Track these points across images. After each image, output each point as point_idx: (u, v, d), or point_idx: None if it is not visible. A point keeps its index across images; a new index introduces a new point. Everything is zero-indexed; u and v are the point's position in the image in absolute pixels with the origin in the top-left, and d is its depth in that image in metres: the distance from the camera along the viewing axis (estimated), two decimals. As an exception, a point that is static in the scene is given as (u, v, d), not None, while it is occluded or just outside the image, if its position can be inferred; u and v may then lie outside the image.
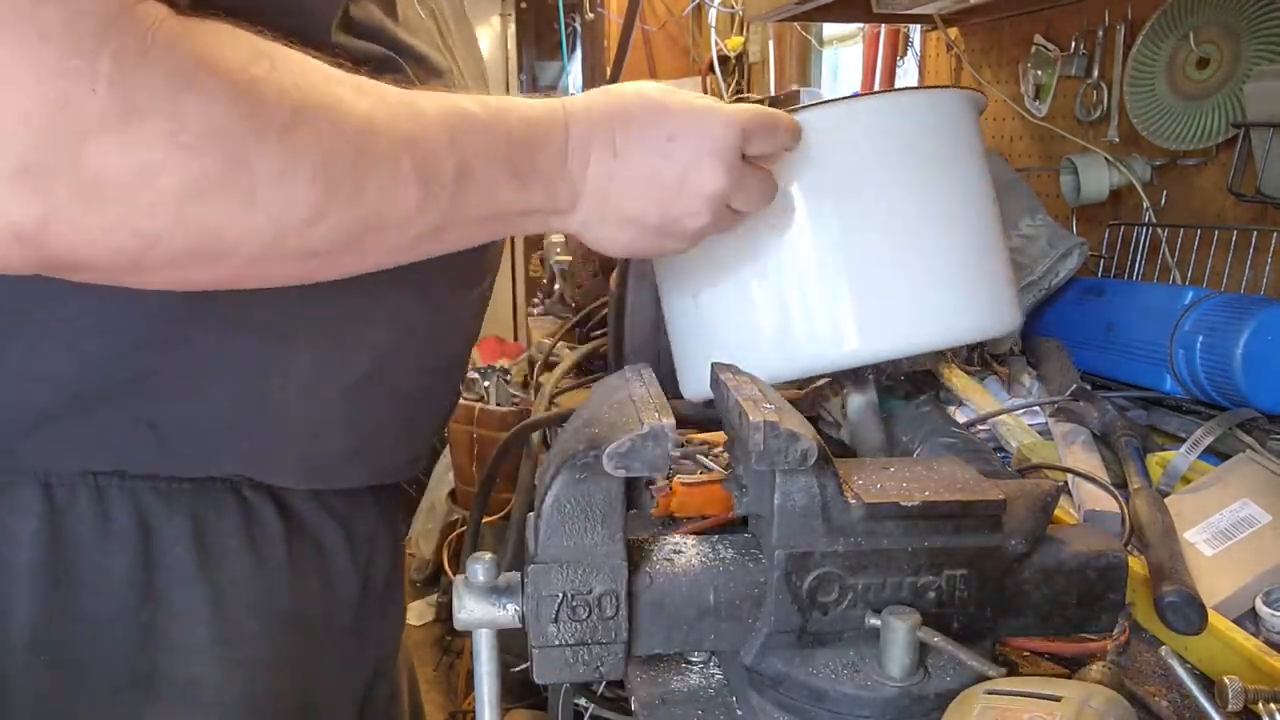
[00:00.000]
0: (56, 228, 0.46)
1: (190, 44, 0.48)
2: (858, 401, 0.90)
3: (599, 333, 1.76)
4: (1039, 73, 1.63)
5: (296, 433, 0.71)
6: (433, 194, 0.57)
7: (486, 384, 2.65)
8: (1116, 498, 0.93)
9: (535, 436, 1.55)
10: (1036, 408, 1.15)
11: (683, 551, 0.62)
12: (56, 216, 0.46)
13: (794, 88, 2.57)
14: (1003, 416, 1.12)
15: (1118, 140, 1.48)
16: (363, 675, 0.82)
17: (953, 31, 1.90)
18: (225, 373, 0.66)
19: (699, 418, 1.29)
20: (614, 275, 1.51)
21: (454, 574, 1.77)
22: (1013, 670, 0.61)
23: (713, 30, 3.12)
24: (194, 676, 0.68)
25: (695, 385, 0.93)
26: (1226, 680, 0.59)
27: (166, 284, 0.53)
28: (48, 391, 0.62)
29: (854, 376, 0.85)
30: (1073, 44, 1.54)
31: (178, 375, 0.65)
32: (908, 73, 2.18)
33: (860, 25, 2.38)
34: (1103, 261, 1.48)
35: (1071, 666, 0.74)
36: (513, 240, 3.23)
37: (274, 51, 0.51)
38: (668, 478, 1.00)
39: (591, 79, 3.74)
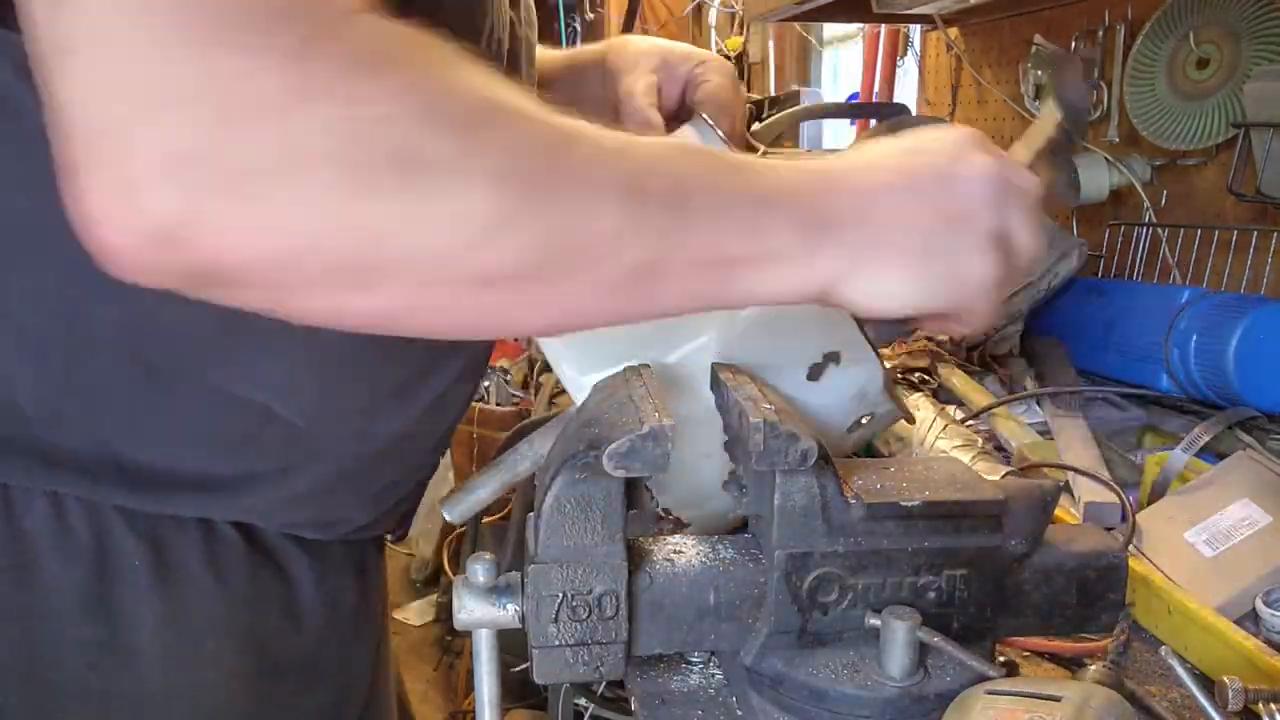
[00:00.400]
0: (206, 225, 0.40)
1: (380, 34, 0.43)
2: None
3: (599, 333, 1.76)
4: (1039, 73, 1.63)
5: (267, 481, 0.69)
6: (641, 215, 0.48)
7: (486, 384, 2.65)
8: (1118, 493, 0.93)
9: (535, 436, 1.55)
10: (1036, 408, 1.15)
11: (683, 551, 0.62)
12: (206, 212, 0.40)
13: (794, 87, 2.57)
14: (1003, 417, 1.12)
15: (1118, 140, 1.48)
16: (324, 707, 0.79)
17: (953, 31, 1.90)
18: (187, 408, 0.64)
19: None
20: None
21: (454, 574, 1.77)
22: (1013, 670, 0.61)
23: (713, 30, 3.12)
24: (148, 692, 0.66)
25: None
26: (1227, 680, 0.59)
27: (323, 311, 0.46)
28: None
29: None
30: (1073, 44, 1.54)
31: (137, 406, 0.63)
32: (908, 73, 2.18)
33: (860, 25, 2.38)
34: (1102, 261, 1.48)
35: (1071, 667, 0.74)
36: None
37: (463, 60, 0.46)
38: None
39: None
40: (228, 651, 0.69)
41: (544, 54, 0.92)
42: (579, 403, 0.71)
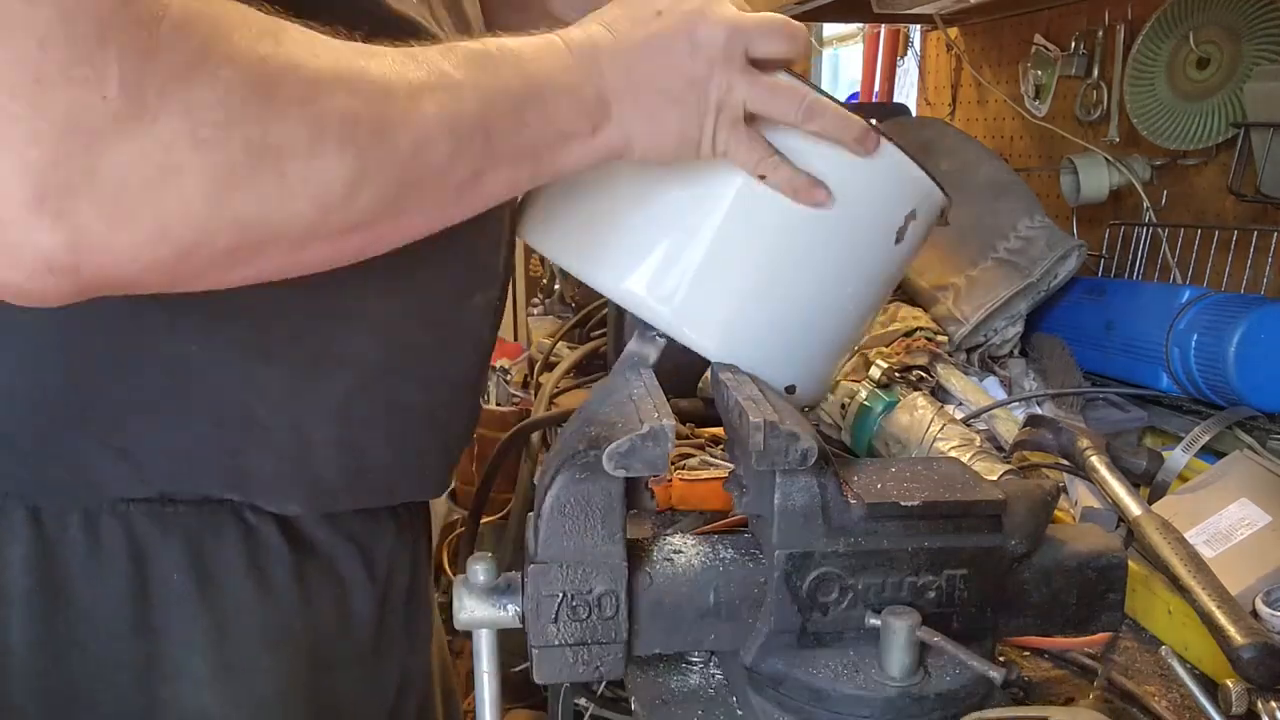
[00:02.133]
0: (88, 251, 0.43)
1: (195, 31, 0.44)
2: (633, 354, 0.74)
3: (599, 333, 1.77)
4: (1039, 73, 1.63)
5: (285, 454, 0.66)
6: (463, 139, 0.54)
7: (486, 384, 2.65)
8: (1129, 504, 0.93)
9: (535, 436, 1.55)
10: (1037, 408, 1.15)
11: (683, 551, 0.62)
12: (85, 239, 0.43)
13: (794, 88, 2.57)
14: (1002, 417, 1.12)
15: (1118, 140, 1.48)
16: (386, 693, 0.78)
17: (953, 31, 1.90)
18: (197, 391, 0.62)
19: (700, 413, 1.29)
20: (614, 275, 1.51)
21: (454, 574, 1.77)
22: (1012, 670, 0.61)
23: (713, 30, 3.11)
24: (197, 709, 0.64)
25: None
26: (1229, 684, 0.59)
27: (215, 285, 0.51)
28: (4, 415, 0.60)
29: (642, 326, 0.71)
30: (1073, 44, 1.54)
31: (145, 395, 0.62)
32: (908, 72, 2.18)
33: (860, 25, 2.38)
34: (1103, 261, 1.48)
35: (1070, 667, 0.74)
36: (513, 240, 3.21)
37: (278, 27, 0.49)
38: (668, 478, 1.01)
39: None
40: (281, 660, 0.67)
41: None
42: (635, 312, 0.69)
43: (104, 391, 0.61)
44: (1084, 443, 0.94)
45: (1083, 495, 0.94)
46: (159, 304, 0.57)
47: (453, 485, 2.86)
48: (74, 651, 0.62)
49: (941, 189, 0.70)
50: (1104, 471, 0.88)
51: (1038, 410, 1.15)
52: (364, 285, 0.61)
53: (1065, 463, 0.97)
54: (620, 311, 1.44)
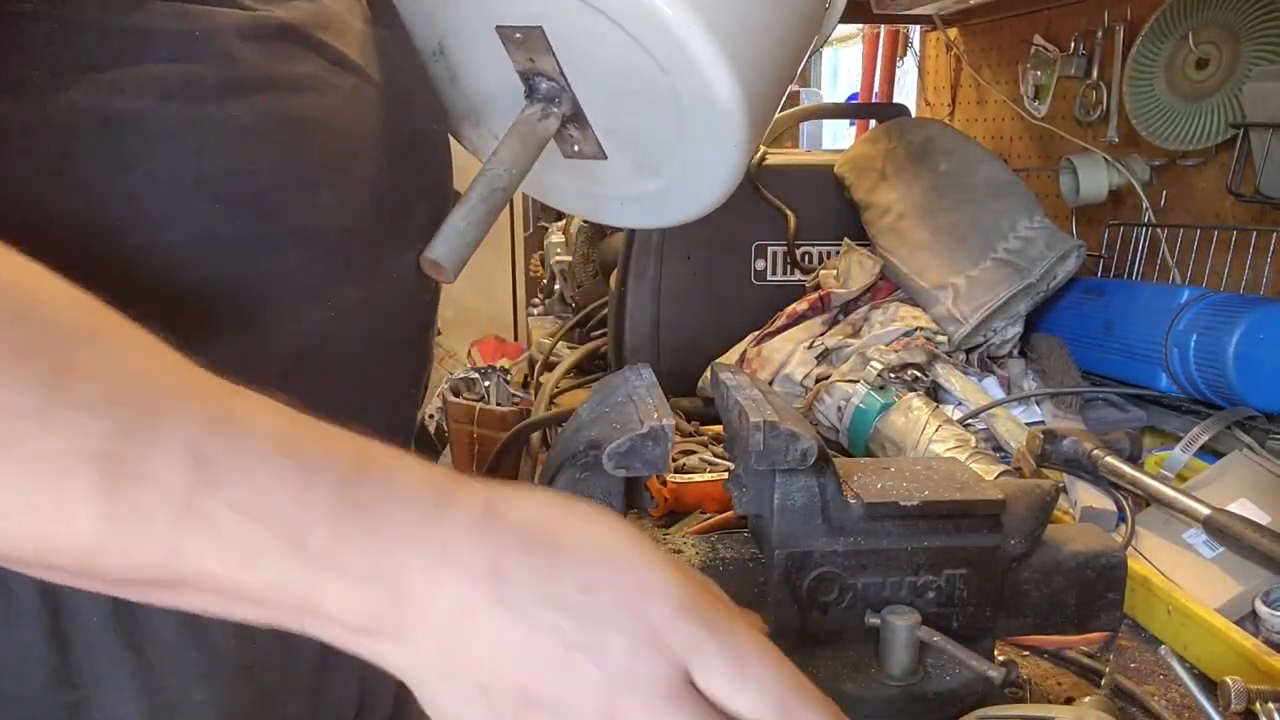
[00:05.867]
0: None
1: None
2: None
3: (599, 333, 1.77)
4: (1038, 73, 1.63)
5: None
6: (125, 521, 0.38)
7: (486, 384, 2.65)
8: (1115, 497, 0.93)
9: (535, 436, 1.55)
10: (1036, 408, 1.15)
11: (683, 552, 0.62)
12: None
13: (794, 88, 2.57)
14: (1002, 418, 1.12)
15: (1117, 140, 1.49)
16: (343, 716, 0.73)
17: (952, 32, 1.90)
18: None
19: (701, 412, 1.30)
20: (614, 275, 1.51)
21: (454, 574, 1.76)
22: (1012, 670, 0.61)
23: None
24: None
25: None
26: (1229, 681, 0.59)
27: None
28: None
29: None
30: (1072, 44, 1.54)
31: None
32: (908, 72, 2.18)
33: (860, 25, 2.38)
34: (1102, 261, 1.48)
35: (1070, 667, 0.74)
36: (513, 240, 3.21)
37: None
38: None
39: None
40: (217, 693, 0.62)
41: None
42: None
43: None
44: (1091, 445, 0.95)
45: (1083, 495, 0.94)
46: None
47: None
48: (4, 703, 0.57)
49: None
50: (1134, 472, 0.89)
51: (1037, 410, 1.15)
52: (284, 261, 0.55)
53: (1085, 475, 0.97)
54: (620, 312, 1.44)
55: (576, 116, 0.65)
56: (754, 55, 0.62)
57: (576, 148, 0.68)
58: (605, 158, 0.68)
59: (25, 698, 0.58)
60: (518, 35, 0.61)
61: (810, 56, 0.75)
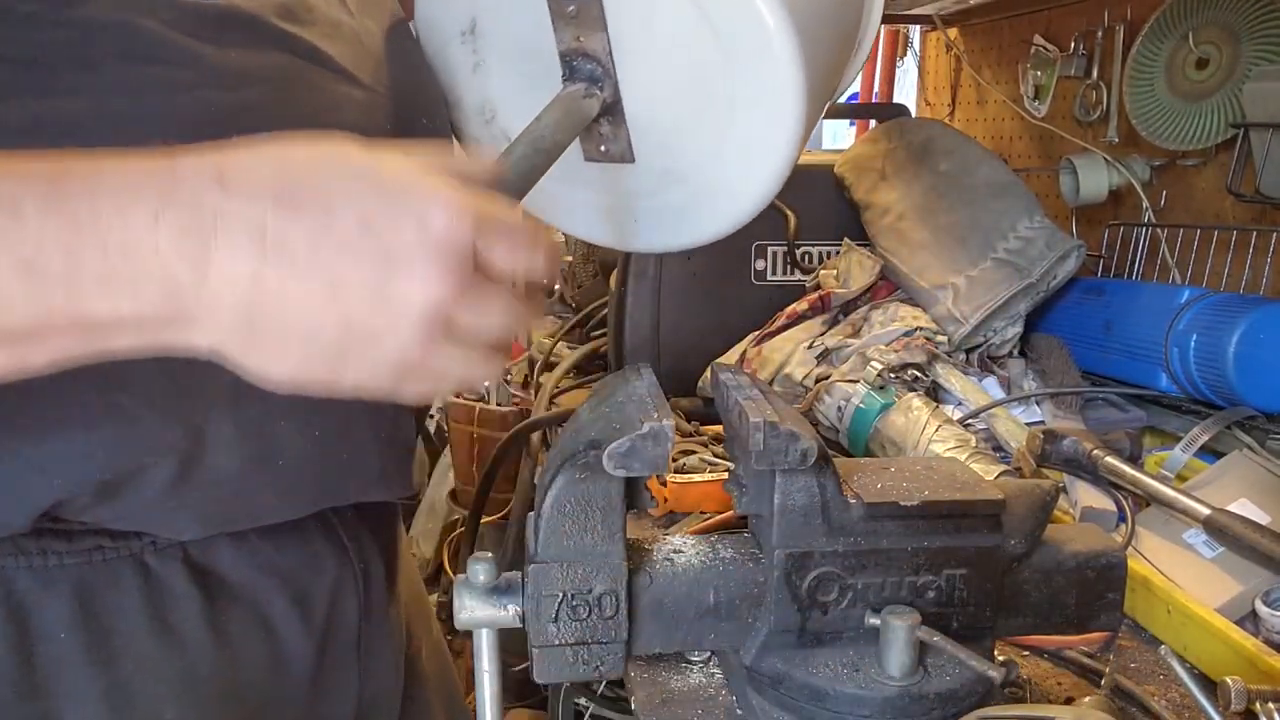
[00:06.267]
0: None
1: None
2: None
3: (599, 333, 1.77)
4: (1038, 73, 1.63)
5: (167, 451, 0.57)
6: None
7: (486, 384, 2.65)
8: (1115, 497, 0.93)
9: (535, 436, 1.55)
10: (1036, 408, 1.15)
11: (683, 551, 0.62)
12: None
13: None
14: (1002, 417, 1.12)
15: (1117, 140, 1.49)
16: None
17: (952, 32, 1.90)
18: (62, 390, 0.51)
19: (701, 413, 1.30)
20: (614, 275, 1.51)
21: (454, 574, 1.77)
22: (1012, 670, 0.61)
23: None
24: None
25: None
26: (1229, 681, 0.59)
27: None
28: None
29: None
30: (1072, 44, 1.54)
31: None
32: (907, 73, 2.18)
33: (860, 25, 2.38)
34: (1102, 261, 1.48)
35: (1069, 667, 0.74)
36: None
37: None
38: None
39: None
40: (191, 711, 0.61)
41: None
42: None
43: None
44: (1091, 445, 0.95)
45: (1083, 495, 0.94)
46: None
47: (453, 486, 2.86)
48: None
49: None
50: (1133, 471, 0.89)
51: (1037, 410, 1.15)
52: None
53: (1085, 475, 0.97)
54: (620, 312, 1.44)
55: (614, 108, 0.62)
56: (815, 63, 0.59)
57: (604, 147, 0.65)
58: (633, 161, 0.65)
59: None
60: (570, 8, 0.58)
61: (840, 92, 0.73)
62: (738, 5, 0.56)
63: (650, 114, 0.62)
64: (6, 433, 0.54)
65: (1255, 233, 1.25)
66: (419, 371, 0.47)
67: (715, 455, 1.11)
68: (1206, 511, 0.81)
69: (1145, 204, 1.42)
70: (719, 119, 0.61)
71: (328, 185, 0.44)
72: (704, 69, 0.58)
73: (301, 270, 0.43)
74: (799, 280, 1.46)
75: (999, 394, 1.19)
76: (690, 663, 0.70)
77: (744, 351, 1.36)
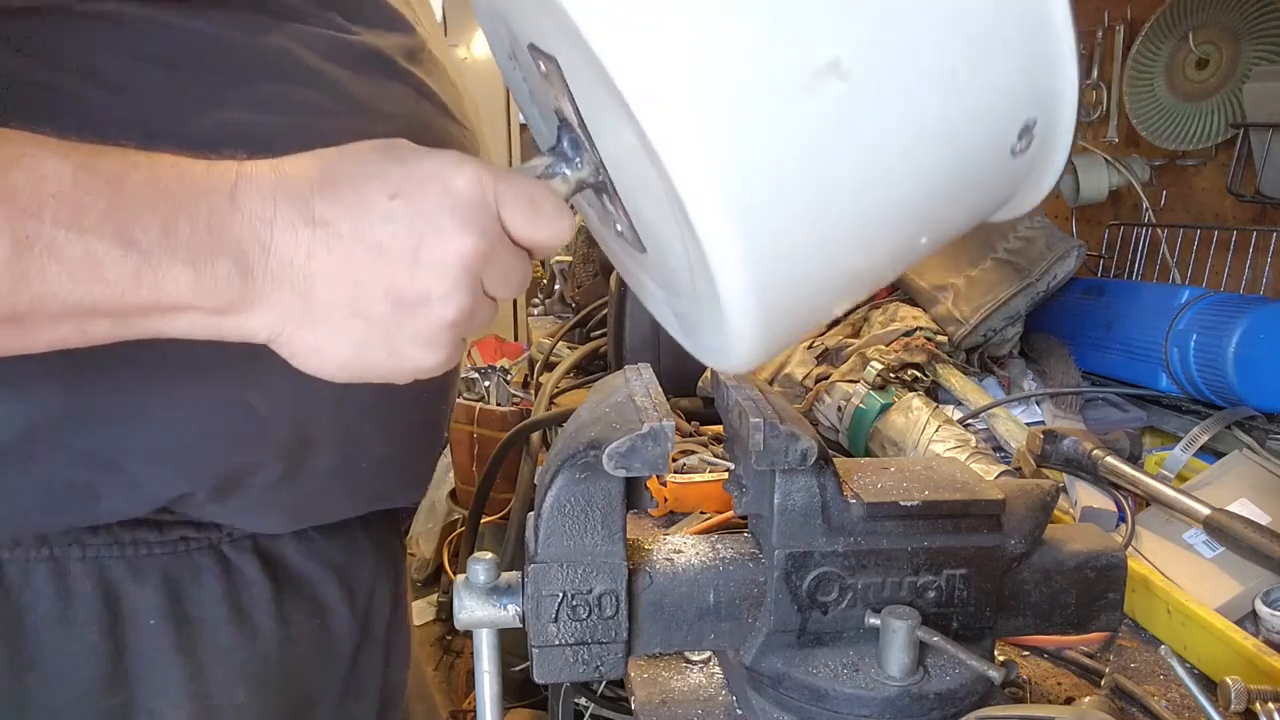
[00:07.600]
0: None
1: None
2: None
3: (599, 333, 1.77)
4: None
5: (280, 452, 0.62)
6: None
7: (486, 384, 2.66)
8: (1115, 497, 0.93)
9: (535, 436, 1.55)
10: (1036, 408, 1.15)
11: (683, 551, 0.62)
12: None
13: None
14: (1002, 417, 1.12)
15: (1117, 140, 1.49)
16: (368, 717, 0.76)
17: (952, 32, 1.90)
18: (201, 387, 0.57)
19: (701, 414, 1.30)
20: (614, 275, 1.51)
21: (454, 574, 1.77)
22: (1012, 670, 0.61)
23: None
24: None
25: None
26: (1229, 681, 0.59)
27: None
28: None
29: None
30: (1072, 44, 1.54)
31: (128, 397, 0.56)
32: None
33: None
34: (1102, 261, 1.48)
35: (1069, 667, 0.74)
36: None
37: None
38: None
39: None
40: (260, 698, 0.65)
41: None
42: None
43: (78, 399, 0.55)
44: (1087, 445, 0.95)
45: (1083, 495, 0.94)
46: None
47: (453, 486, 2.86)
48: (39, 715, 0.58)
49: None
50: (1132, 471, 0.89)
51: (1037, 410, 1.15)
52: None
53: (1085, 475, 0.97)
54: (620, 312, 1.44)
55: (603, 188, 0.53)
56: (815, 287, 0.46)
57: (619, 227, 0.55)
58: (644, 251, 0.55)
59: (69, 706, 0.58)
60: (541, 66, 0.50)
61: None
62: (708, 252, 0.43)
63: (633, 206, 0.53)
64: (141, 421, 0.57)
65: (1255, 233, 1.25)
66: (468, 327, 0.50)
67: (715, 455, 1.11)
68: (1206, 511, 0.81)
69: (1145, 204, 1.42)
70: (695, 284, 0.49)
71: (361, 168, 0.48)
72: (675, 240, 0.48)
73: (347, 244, 0.47)
74: (799, 280, 1.46)
75: (999, 394, 1.19)
76: (690, 663, 0.70)
77: (744, 351, 1.36)
